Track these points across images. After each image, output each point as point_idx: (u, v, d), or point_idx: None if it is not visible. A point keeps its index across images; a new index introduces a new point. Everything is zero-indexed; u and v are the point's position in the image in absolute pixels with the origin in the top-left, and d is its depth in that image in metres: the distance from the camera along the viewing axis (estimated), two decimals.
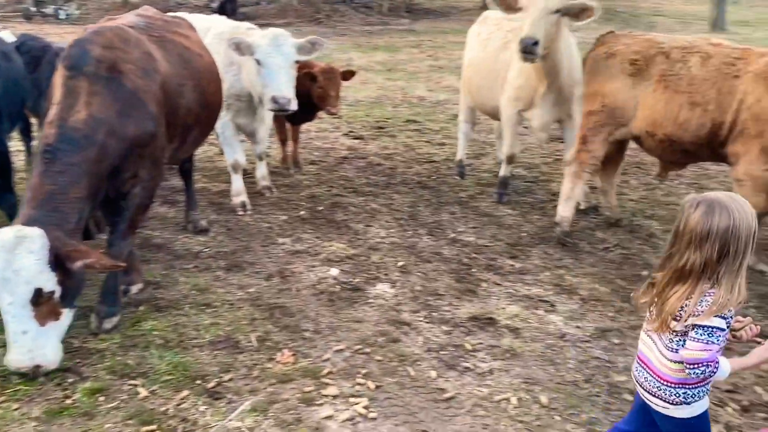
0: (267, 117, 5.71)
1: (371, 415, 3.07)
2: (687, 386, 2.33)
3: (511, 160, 6.03)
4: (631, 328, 3.87)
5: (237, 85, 5.35)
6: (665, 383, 2.35)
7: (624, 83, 4.92)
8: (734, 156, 4.48)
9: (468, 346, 3.65)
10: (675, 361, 2.31)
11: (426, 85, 11.45)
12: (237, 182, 5.64)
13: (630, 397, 3.19)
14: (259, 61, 4.97)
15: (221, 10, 16.52)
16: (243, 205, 5.56)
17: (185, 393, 3.20)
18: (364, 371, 3.38)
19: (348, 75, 6.20)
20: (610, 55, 5.04)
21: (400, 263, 4.67)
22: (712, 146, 4.61)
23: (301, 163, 6.82)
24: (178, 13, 5.84)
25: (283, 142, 6.70)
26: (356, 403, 3.13)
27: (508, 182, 6.12)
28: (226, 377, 3.33)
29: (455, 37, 15.99)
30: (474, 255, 4.89)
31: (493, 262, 4.77)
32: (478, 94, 6.30)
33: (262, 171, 6.05)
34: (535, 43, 4.72)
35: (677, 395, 2.34)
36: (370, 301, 4.14)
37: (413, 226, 5.42)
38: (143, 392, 3.19)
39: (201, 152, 7.10)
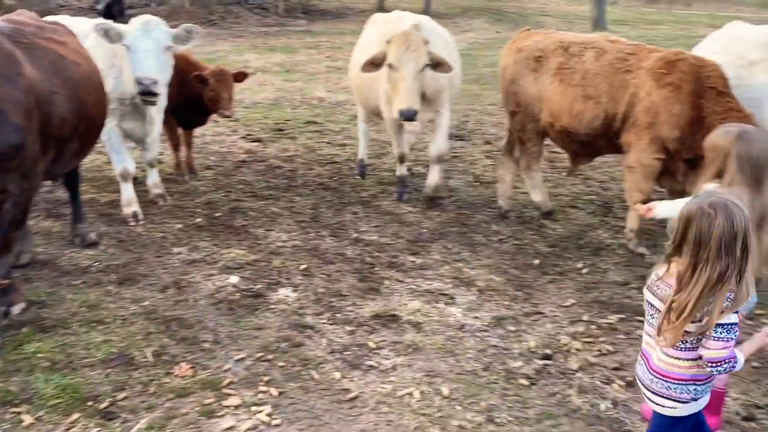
0: (156, 121, 5.48)
1: (275, 422, 3.02)
2: (698, 382, 2.35)
3: (402, 159, 6.12)
4: (525, 315, 4.05)
5: (119, 88, 5.10)
6: (676, 382, 2.33)
7: (529, 79, 5.21)
8: (627, 145, 4.80)
9: (371, 345, 3.67)
10: (687, 359, 2.30)
11: (325, 86, 11.44)
12: (127, 191, 5.39)
13: (525, 382, 3.33)
14: (128, 46, 4.86)
15: (107, 13, 15.74)
16: (134, 215, 5.33)
17: (75, 416, 3.02)
18: (266, 378, 3.33)
19: (240, 77, 6.10)
20: (519, 50, 5.33)
21: (302, 266, 4.63)
22: (608, 137, 4.91)
23: (196, 169, 6.62)
24: (58, 17, 5.52)
25: (176, 147, 6.47)
26: (259, 412, 3.07)
27: (406, 180, 6.21)
28: (120, 396, 3.18)
29: (353, 37, 16.04)
30: (377, 253, 4.93)
31: (395, 260, 4.83)
32: (360, 94, 6.38)
33: (153, 179, 5.82)
34: (416, 113, 5.09)
35: (689, 392, 2.34)
36: (272, 306, 4.07)
37: (315, 228, 5.40)
38: (28, 419, 2.99)
39: (88, 161, 6.73)
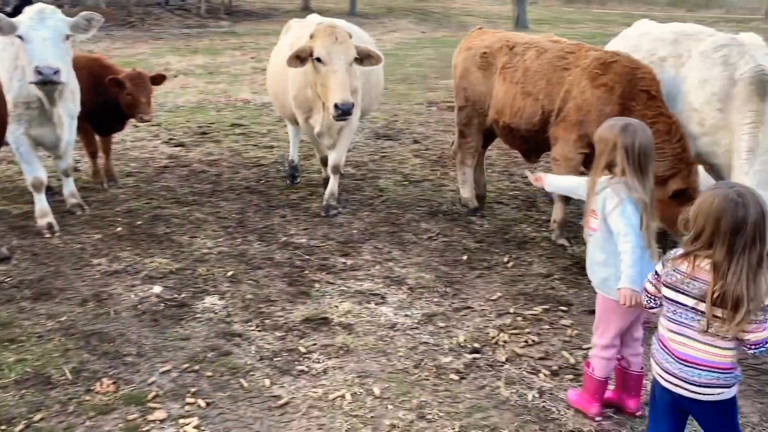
0: (68, 127, 5.19)
1: None
2: (737, 367, 2.43)
3: (324, 162, 6.07)
4: (454, 310, 4.10)
5: (24, 91, 4.80)
6: (725, 371, 2.38)
7: (477, 75, 5.39)
8: (554, 138, 4.96)
9: (302, 349, 3.63)
10: (732, 348, 2.36)
11: (250, 87, 11.26)
12: (40, 202, 5.12)
13: (455, 377, 3.37)
14: (22, 36, 4.57)
15: (17, 15, 14.95)
16: (50, 227, 5.07)
17: None
18: (193, 390, 3.23)
19: (159, 79, 5.92)
20: (468, 48, 5.54)
21: (229, 273, 4.53)
22: (546, 132, 5.07)
23: (115, 177, 6.37)
24: None
25: (93, 155, 6.19)
26: (186, 424, 2.98)
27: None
28: (37, 417, 3.02)
29: (278, 38, 15.91)
30: (306, 256, 4.88)
31: (325, 262, 4.80)
32: (277, 100, 6.26)
33: (69, 188, 5.55)
34: (353, 105, 4.94)
35: (735, 377, 2.41)
36: (198, 316, 3.96)
37: (242, 233, 5.29)
38: None
39: None
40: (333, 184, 5.77)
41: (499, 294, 4.31)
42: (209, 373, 3.37)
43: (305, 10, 28.42)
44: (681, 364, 2.43)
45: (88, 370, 3.39)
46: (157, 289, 4.25)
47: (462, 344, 3.69)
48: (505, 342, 3.71)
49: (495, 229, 5.46)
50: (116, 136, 6.96)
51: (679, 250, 2.44)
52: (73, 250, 4.84)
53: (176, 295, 4.20)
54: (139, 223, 5.37)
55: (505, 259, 4.86)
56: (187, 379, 3.33)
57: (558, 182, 3.49)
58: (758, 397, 3.23)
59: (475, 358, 3.55)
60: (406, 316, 4.03)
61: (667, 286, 2.45)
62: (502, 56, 5.25)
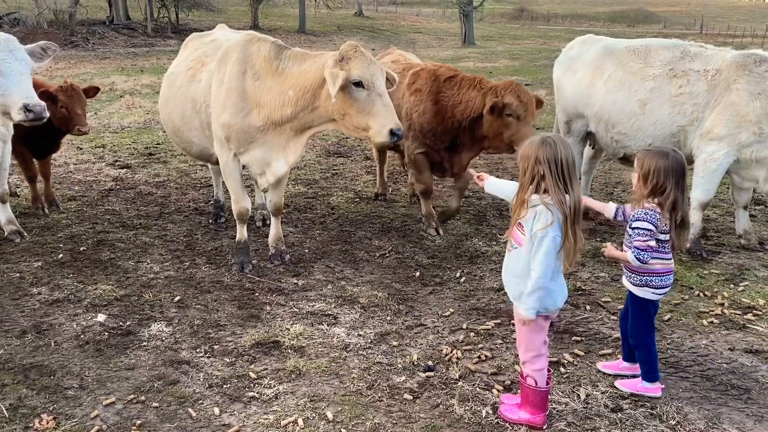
0: (1, 151, 4.98)
1: None
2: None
3: (243, 218, 5.07)
4: (407, 328, 4.08)
5: None
6: None
7: None
8: None
9: (252, 375, 3.54)
10: None
11: None
12: None
13: (409, 396, 3.34)
14: None
15: None
16: None
17: None
18: (139, 422, 3.11)
19: (91, 91, 5.76)
20: None
21: (176, 298, 4.41)
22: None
23: (57, 201, 6.16)
24: None
25: (32, 179, 5.98)
26: None
27: (248, 246, 5.17)
28: None
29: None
30: (257, 278, 4.80)
31: (276, 283, 4.73)
32: (176, 134, 5.46)
33: (6, 215, 5.34)
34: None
35: None
36: (144, 344, 3.84)
37: (190, 256, 5.17)
38: None
39: None
40: (277, 227, 5.19)
41: (452, 310, 4.32)
42: (156, 404, 3.26)
43: (254, 27, 28.28)
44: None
45: (26, 406, 3.23)
46: (100, 317, 4.10)
47: (415, 363, 3.67)
48: (458, 358, 3.70)
49: (447, 245, 5.48)
50: (59, 159, 6.75)
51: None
52: (11, 279, 4.64)
53: (121, 323, 4.06)
54: (82, 248, 5.19)
55: (457, 274, 4.88)
56: (133, 411, 3.21)
57: (498, 185, 3.42)
58: (703, 403, 3.30)
59: (428, 377, 3.52)
60: (359, 335, 3.99)
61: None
62: None
